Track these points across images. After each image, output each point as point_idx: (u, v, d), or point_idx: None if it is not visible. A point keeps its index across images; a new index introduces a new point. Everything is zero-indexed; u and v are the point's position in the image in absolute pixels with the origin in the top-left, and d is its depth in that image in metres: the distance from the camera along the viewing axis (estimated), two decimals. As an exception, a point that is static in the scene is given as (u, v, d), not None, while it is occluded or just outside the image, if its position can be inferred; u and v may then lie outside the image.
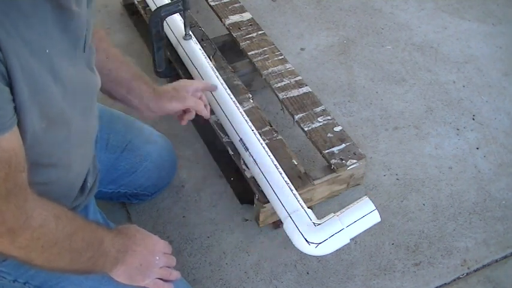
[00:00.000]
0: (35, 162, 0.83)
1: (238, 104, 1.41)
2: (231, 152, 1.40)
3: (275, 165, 1.28)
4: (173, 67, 1.59)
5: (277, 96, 1.55)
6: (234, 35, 1.70)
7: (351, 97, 1.78)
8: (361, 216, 1.13)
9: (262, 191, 1.28)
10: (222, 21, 1.76)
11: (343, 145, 1.43)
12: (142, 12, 1.80)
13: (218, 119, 1.44)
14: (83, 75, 0.89)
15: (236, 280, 1.33)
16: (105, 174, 1.27)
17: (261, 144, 1.32)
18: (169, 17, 1.51)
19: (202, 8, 2.03)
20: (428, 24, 2.07)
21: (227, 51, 1.71)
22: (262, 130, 1.44)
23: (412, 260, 1.37)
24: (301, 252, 1.13)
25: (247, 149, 1.31)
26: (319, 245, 1.11)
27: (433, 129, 1.69)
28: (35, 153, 0.82)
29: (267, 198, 1.27)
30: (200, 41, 1.63)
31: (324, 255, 1.20)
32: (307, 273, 1.34)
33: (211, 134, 1.53)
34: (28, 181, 0.81)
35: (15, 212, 0.78)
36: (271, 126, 1.46)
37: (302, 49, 1.96)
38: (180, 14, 1.57)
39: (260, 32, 1.72)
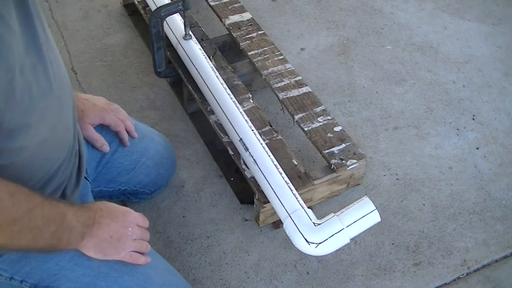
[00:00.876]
0: (13, 127, 0.81)
1: (238, 104, 1.41)
2: (231, 152, 1.40)
3: (275, 165, 1.28)
4: (173, 67, 1.59)
5: (277, 96, 1.55)
6: (234, 35, 1.70)
7: (351, 97, 1.78)
8: (361, 216, 1.13)
9: (262, 191, 1.28)
10: (222, 21, 1.76)
11: (343, 145, 1.43)
12: (142, 12, 1.80)
13: (218, 119, 1.44)
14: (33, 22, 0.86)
15: (236, 280, 1.33)
16: (104, 172, 1.27)
17: (261, 144, 1.32)
18: (169, 17, 1.51)
19: (202, 8, 2.03)
20: (428, 24, 2.07)
21: (227, 51, 1.71)
22: (262, 130, 1.44)
23: (412, 260, 1.37)
24: (301, 252, 1.13)
25: (247, 149, 1.31)
26: (319, 245, 1.11)
27: (433, 129, 1.69)
28: (8, 113, 0.79)
29: (267, 198, 1.27)
30: (200, 41, 1.63)
31: (324, 255, 1.20)
32: (307, 273, 1.34)
33: (211, 134, 1.53)
34: (6, 150, 0.80)
35: None
36: (271, 126, 1.46)
37: (302, 49, 1.96)
38: (180, 14, 1.57)
39: (260, 32, 1.72)
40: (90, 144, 1.23)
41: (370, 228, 1.14)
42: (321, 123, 1.47)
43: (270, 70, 1.60)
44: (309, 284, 1.32)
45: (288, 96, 1.53)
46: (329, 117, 1.48)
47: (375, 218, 1.13)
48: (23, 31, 0.83)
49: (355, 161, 1.40)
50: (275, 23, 2.06)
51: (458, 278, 1.34)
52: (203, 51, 1.53)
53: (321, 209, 1.43)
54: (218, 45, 1.70)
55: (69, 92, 1.01)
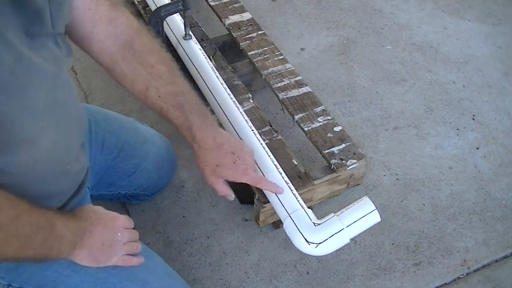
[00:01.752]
0: (2, 141, 0.80)
1: (238, 104, 1.41)
2: (231, 152, 1.40)
3: (275, 165, 1.28)
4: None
5: (277, 96, 1.55)
6: (234, 35, 1.70)
7: (351, 97, 1.78)
8: (361, 216, 1.13)
9: (262, 191, 1.28)
10: (222, 21, 1.76)
11: (343, 145, 1.43)
12: (142, 12, 1.79)
13: (218, 119, 1.44)
14: (47, 51, 0.85)
15: (236, 280, 1.33)
16: (104, 177, 1.26)
17: (261, 144, 1.32)
18: (169, 17, 1.51)
19: (202, 8, 2.03)
20: (428, 24, 2.07)
21: (227, 51, 1.71)
22: (262, 130, 1.44)
23: (412, 260, 1.37)
24: (301, 252, 1.13)
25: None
26: (319, 245, 1.11)
27: (433, 129, 1.69)
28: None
29: (267, 198, 1.27)
30: (200, 41, 1.63)
31: (324, 255, 1.20)
32: (307, 273, 1.34)
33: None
34: None
35: None
36: (271, 126, 1.46)
37: (302, 49, 1.96)
38: (180, 14, 1.57)
39: (260, 32, 1.72)
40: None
41: (370, 228, 1.14)
42: (321, 123, 1.47)
43: (270, 70, 1.60)
44: (309, 284, 1.32)
45: (288, 96, 1.53)
46: (329, 117, 1.48)
47: (375, 218, 1.13)
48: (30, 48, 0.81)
49: (355, 161, 1.40)
50: (275, 23, 2.06)
51: (458, 278, 1.34)
52: (203, 51, 1.53)
53: (321, 209, 1.43)
54: (218, 45, 1.70)
55: (76, 118, 1.00)
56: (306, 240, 1.12)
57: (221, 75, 1.49)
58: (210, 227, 1.43)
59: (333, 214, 1.15)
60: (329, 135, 1.44)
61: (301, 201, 1.20)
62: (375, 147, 1.63)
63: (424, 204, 1.49)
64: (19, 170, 0.87)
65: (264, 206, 1.33)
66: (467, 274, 1.35)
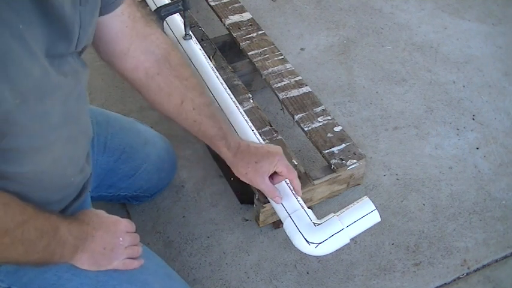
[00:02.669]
0: (12, 148, 0.80)
1: (238, 104, 1.41)
2: (231, 152, 1.40)
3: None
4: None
5: (277, 96, 1.55)
6: (234, 35, 1.70)
7: (351, 97, 1.79)
8: (361, 216, 1.13)
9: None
10: (222, 21, 1.76)
11: (343, 145, 1.43)
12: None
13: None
14: (68, 66, 0.86)
15: (236, 280, 1.33)
16: (105, 178, 1.26)
17: (261, 144, 1.32)
18: (169, 17, 1.51)
19: (202, 8, 2.03)
20: (428, 24, 2.07)
21: (227, 51, 1.71)
22: (262, 130, 1.44)
23: (412, 260, 1.37)
24: (301, 252, 1.13)
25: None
26: (319, 245, 1.11)
27: (433, 129, 1.69)
28: (10, 134, 0.78)
29: (267, 198, 1.27)
30: (200, 41, 1.63)
31: (324, 255, 1.20)
32: (307, 273, 1.34)
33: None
34: (4, 172, 0.79)
35: None
36: (271, 126, 1.46)
37: (302, 49, 1.96)
38: (180, 14, 1.57)
39: (260, 32, 1.72)
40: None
41: (370, 228, 1.14)
42: (321, 123, 1.47)
43: (270, 70, 1.60)
44: (309, 284, 1.32)
45: (288, 96, 1.53)
46: (329, 117, 1.49)
47: (375, 218, 1.13)
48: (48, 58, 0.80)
49: (355, 161, 1.40)
50: (275, 23, 2.06)
51: (458, 278, 1.34)
52: (203, 51, 1.53)
53: (321, 209, 1.43)
54: (218, 45, 1.70)
55: (85, 132, 1.00)
56: (306, 240, 1.12)
57: (221, 75, 1.49)
58: (210, 227, 1.43)
59: (333, 214, 1.15)
60: (329, 135, 1.44)
61: (301, 201, 1.20)
62: (375, 147, 1.63)
63: (424, 204, 1.49)
64: (24, 180, 0.87)
65: (264, 206, 1.33)
66: (467, 274, 1.35)
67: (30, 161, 0.86)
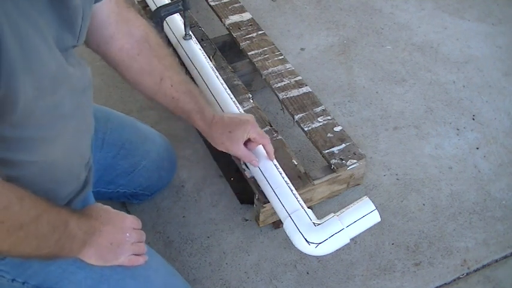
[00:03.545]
0: (25, 137, 0.82)
1: (238, 104, 1.41)
2: (231, 152, 1.40)
3: (275, 165, 1.28)
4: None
5: (277, 96, 1.55)
6: (234, 35, 1.70)
7: (351, 97, 1.79)
8: (361, 216, 1.13)
9: (262, 191, 1.28)
10: (222, 21, 1.76)
11: (343, 145, 1.43)
12: (142, 12, 1.79)
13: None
14: (74, 60, 0.90)
15: (236, 280, 1.33)
16: (104, 174, 1.27)
17: (261, 144, 1.32)
18: (169, 17, 1.51)
19: (202, 8, 2.03)
20: (428, 24, 2.07)
21: (227, 51, 1.71)
22: (262, 130, 1.43)
23: (412, 260, 1.37)
24: (301, 252, 1.13)
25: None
26: (319, 245, 1.11)
27: (433, 129, 1.69)
28: (24, 125, 0.81)
29: (267, 198, 1.27)
30: (200, 41, 1.63)
31: (324, 255, 1.20)
32: (307, 273, 1.34)
33: (211, 134, 1.52)
34: (16, 161, 0.81)
35: None
36: (271, 126, 1.46)
37: (302, 49, 1.96)
38: (180, 14, 1.57)
39: (260, 32, 1.72)
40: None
41: (370, 228, 1.14)
42: (321, 123, 1.47)
43: (270, 70, 1.60)
44: (309, 284, 1.32)
45: (288, 96, 1.53)
46: (329, 117, 1.49)
47: (375, 218, 1.13)
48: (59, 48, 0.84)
49: (355, 161, 1.40)
50: (275, 23, 2.06)
51: (458, 278, 1.34)
52: (203, 51, 1.53)
53: (321, 209, 1.43)
54: (218, 45, 1.70)
55: (90, 125, 1.04)
56: (306, 240, 1.12)
57: (221, 75, 1.49)
58: (210, 227, 1.43)
59: (333, 214, 1.15)
60: (329, 135, 1.44)
61: (301, 201, 1.20)
62: (375, 147, 1.63)
63: (424, 204, 1.49)
64: (36, 170, 0.89)
65: (264, 206, 1.33)
66: (467, 274, 1.35)
67: (42, 150, 0.88)
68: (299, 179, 1.34)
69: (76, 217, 0.93)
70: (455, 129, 1.69)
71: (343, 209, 1.15)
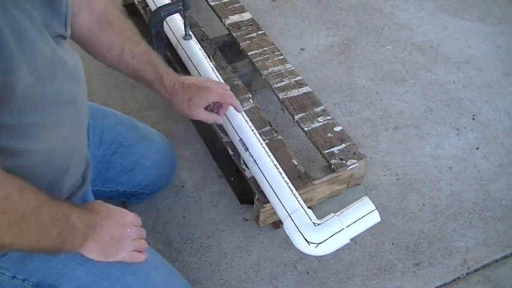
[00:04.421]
0: (26, 124, 0.83)
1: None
2: (231, 152, 1.40)
3: (275, 165, 1.28)
4: (173, 67, 1.59)
5: (277, 96, 1.55)
6: (234, 35, 1.70)
7: (351, 97, 1.78)
8: (361, 216, 1.13)
9: (262, 191, 1.28)
10: (222, 21, 1.76)
11: (343, 145, 1.43)
12: (142, 12, 1.79)
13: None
14: (64, 48, 0.91)
15: (236, 280, 1.33)
16: (103, 171, 1.27)
17: (261, 144, 1.32)
18: (169, 17, 1.51)
19: (202, 8, 2.03)
20: (428, 24, 2.07)
21: (227, 51, 1.71)
22: (262, 130, 1.44)
23: (412, 260, 1.37)
24: (301, 252, 1.13)
25: (247, 149, 1.31)
26: (319, 245, 1.11)
27: (433, 129, 1.69)
28: (25, 112, 0.82)
29: (267, 198, 1.27)
30: (200, 41, 1.63)
31: (324, 255, 1.20)
32: (307, 273, 1.34)
33: (211, 134, 1.53)
34: (17, 150, 0.82)
35: None
36: (271, 126, 1.46)
37: (302, 49, 1.96)
38: (180, 14, 1.57)
39: (260, 32, 1.72)
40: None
41: (370, 228, 1.14)
42: (321, 123, 1.47)
43: (270, 70, 1.60)
44: (309, 284, 1.32)
45: (288, 96, 1.53)
46: (329, 117, 1.49)
47: (375, 218, 1.13)
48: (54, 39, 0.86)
49: (355, 161, 1.40)
50: (275, 23, 2.06)
51: (458, 278, 1.34)
52: (203, 51, 1.53)
53: (321, 209, 1.43)
54: (218, 45, 1.70)
55: (86, 115, 1.05)
56: (306, 240, 1.12)
57: (221, 75, 1.49)
58: (210, 227, 1.43)
59: (333, 214, 1.15)
60: (329, 135, 1.44)
61: (301, 201, 1.20)
62: (375, 147, 1.63)
63: (424, 204, 1.49)
64: (37, 159, 0.90)
65: (264, 206, 1.33)
66: (467, 274, 1.35)
67: (43, 138, 0.89)
68: (299, 179, 1.34)
69: (77, 210, 0.93)
70: (455, 129, 1.70)
71: (343, 209, 1.15)
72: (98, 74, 1.81)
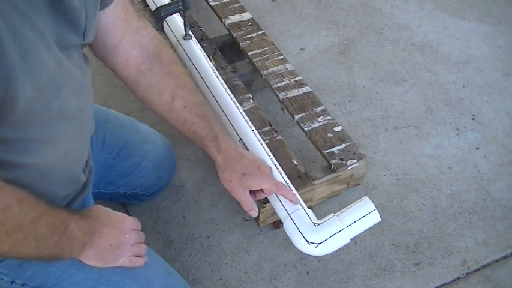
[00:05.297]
0: (26, 139, 0.82)
1: (238, 104, 1.40)
2: (231, 152, 1.39)
3: (275, 165, 1.27)
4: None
5: (277, 96, 1.55)
6: (234, 35, 1.70)
7: (351, 97, 1.79)
8: (361, 216, 1.12)
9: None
10: (222, 21, 1.76)
11: (343, 145, 1.43)
12: (142, 12, 1.79)
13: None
14: (73, 60, 0.88)
15: (236, 280, 1.33)
16: (104, 175, 1.26)
17: (261, 144, 1.32)
18: (169, 17, 1.51)
19: (202, 8, 2.03)
20: (428, 24, 2.07)
21: (227, 51, 1.71)
22: (262, 130, 1.44)
23: (412, 260, 1.37)
24: (301, 252, 1.13)
25: (247, 149, 1.30)
26: (319, 245, 1.11)
27: (433, 129, 1.69)
28: (26, 126, 0.81)
29: (267, 198, 1.27)
30: (200, 41, 1.63)
31: (324, 255, 1.20)
32: (307, 273, 1.34)
33: (211, 134, 1.52)
34: (17, 163, 0.81)
35: None
36: (271, 126, 1.46)
37: (302, 49, 1.96)
38: (180, 14, 1.56)
39: (260, 32, 1.72)
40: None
41: (370, 228, 1.14)
42: (321, 123, 1.47)
43: (270, 70, 1.60)
44: (309, 284, 1.32)
45: (288, 96, 1.53)
46: (329, 117, 1.49)
47: (375, 218, 1.13)
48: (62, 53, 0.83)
49: (355, 161, 1.40)
50: (275, 23, 2.06)
51: (458, 278, 1.34)
52: (203, 51, 1.53)
53: (321, 209, 1.43)
54: (218, 45, 1.70)
55: (90, 127, 1.03)
56: (306, 240, 1.12)
57: (221, 75, 1.49)
58: (210, 227, 1.43)
59: (333, 214, 1.15)
60: (329, 135, 1.44)
61: (301, 201, 1.20)
62: (375, 147, 1.63)
63: (424, 204, 1.49)
64: (37, 171, 0.89)
65: (264, 206, 1.33)
66: (467, 274, 1.35)
67: (43, 152, 0.88)
68: (299, 179, 1.34)
69: (76, 218, 0.93)
70: (455, 129, 1.70)
71: (343, 209, 1.15)
72: (98, 74, 1.81)
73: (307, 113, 1.49)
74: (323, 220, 1.15)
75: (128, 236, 1.01)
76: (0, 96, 0.73)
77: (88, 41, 0.92)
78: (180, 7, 1.43)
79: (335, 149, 1.42)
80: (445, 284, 1.33)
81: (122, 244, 1.00)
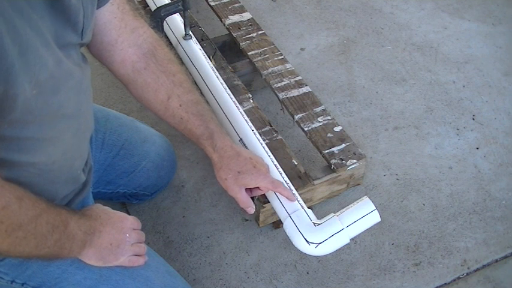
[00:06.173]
0: (26, 137, 0.82)
1: (238, 104, 1.40)
2: (231, 152, 1.40)
3: (275, 165, 1.27)
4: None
5: (277, 96, 1.55)
6: (234, 35, 1.70)
7: (351, 97, 1.79)
8: (361, 216, 1.12)
9: (262, 191, 1.28)
10: (222, 21, 1.76)
11: (343, 145, 1.43)
12: (142, 12, 1.79)
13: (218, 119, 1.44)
14: (72, 59, 0.88)
15: (236, 280, 1.33)
16: (104, 174, 1.27)
17: (261, 144, 1.32)
18: (169, 17, 1.51)
19: (202, 8, 2.03)
20: (428, 24, 2.07)
21: (227, 51, 1.71)
22: (262, 130, 1.44)
23: (412, 260, 1.37)
24: (301, 252, 1.13)
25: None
26: (319, 245, 1.11)
27: (433, 129, 1.69)
28: (25, 124, 0.81)
29: (267, 198, 1.27)
30: (200, 41, 1.63)
31: (324, 255, 1.20)
32: (307, 273, 1.34)
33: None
34: (16, 162, 0.81)
35: None
36: (271, 126, 1.46)
37: (302, 49, 1.96)
38: (180, 14, 1.57)
39: (260, 32, 1.72)
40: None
41: (370, 228, 1.14)
42: (321, 123, 1.47)
43: (270, 70, 1.60)
44: (309, 284, 1.32)
45: (288, 96, 1.53)
46: (329, 117, 1.49)
47: (375, 218, 1.13)
48: (60, 49, 0.83)
49: (355, 161, 1.40)
50: (275, 23, 2.06)
51: (458, 278, 1.34)
52: (203, 51, 1.53)
53: (321, 209, 1.43)
54: (218, 45, 1.70)
55: (90, 127, 1.03)
56: (306, 240, 1.12)
57: (221, 75, 1.49)
58: (210, 227, 1.43)
59: (333, 214, 1.15)
60: (329, 135, 1.44)
61: (301, 201, 1.20)
62: (375, 147, 1.63)
63: (424, 204, 1.49)
64: (36, 170, 0.89)
65: (264, 206, 1.33)
66: (467, 274, 1.35)
67: (43, 150, 0.88)
68: (299, 179, 1.34)
69: (76, 217, 0.93)
70: (455, 129, 1.70)
71: (343, 209, 1.15)
72: (98, 74, 1.81)
73: (307, 113, 1.49)
74: (323, 220, 1.15)
75: (127, 235, 1.01)
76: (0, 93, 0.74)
77: (86, 41, 0.92)
78: (180, 7, 1.43)
79: (335, 149, 1.42)
80: (445, 284, 1.33)
81: (121, 243, 1.00)
